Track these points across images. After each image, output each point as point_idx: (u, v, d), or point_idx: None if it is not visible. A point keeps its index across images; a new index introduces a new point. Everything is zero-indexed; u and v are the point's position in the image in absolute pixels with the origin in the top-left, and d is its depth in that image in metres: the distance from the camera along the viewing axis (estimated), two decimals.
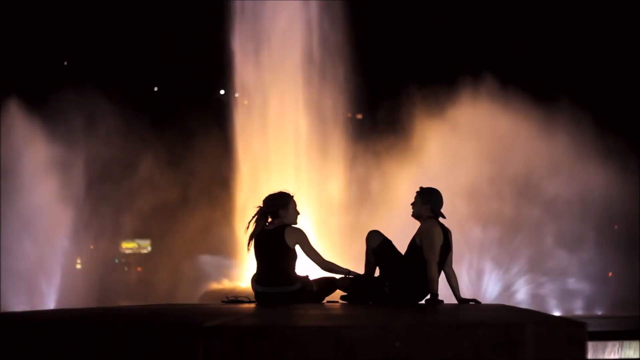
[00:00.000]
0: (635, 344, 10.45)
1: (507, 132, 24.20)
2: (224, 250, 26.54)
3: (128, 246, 40.95)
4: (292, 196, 8.36)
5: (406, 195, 8.68)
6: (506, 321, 4.49)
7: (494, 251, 24.23)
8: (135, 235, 37.47)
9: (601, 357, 10.34)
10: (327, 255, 8.38)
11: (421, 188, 8.26)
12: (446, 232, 8.06)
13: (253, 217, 8.28)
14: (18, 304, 23.31)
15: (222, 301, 8.31)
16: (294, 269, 8.16)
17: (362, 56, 26.87)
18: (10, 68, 34.08)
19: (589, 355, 5.91)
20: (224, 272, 25.72)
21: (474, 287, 23.12)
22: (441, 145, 24.54)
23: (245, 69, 26.35)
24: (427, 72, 32.59)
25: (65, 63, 42.62)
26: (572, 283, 24.17)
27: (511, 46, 35.20)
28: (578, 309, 23.71)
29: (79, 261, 28.88)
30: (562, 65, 34.13)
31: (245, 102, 26.91)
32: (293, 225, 8.24)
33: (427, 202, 8.14)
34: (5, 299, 23.00)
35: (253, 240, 8.21)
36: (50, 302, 24.62)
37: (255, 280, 8.18)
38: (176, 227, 29.11)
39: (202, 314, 5.64)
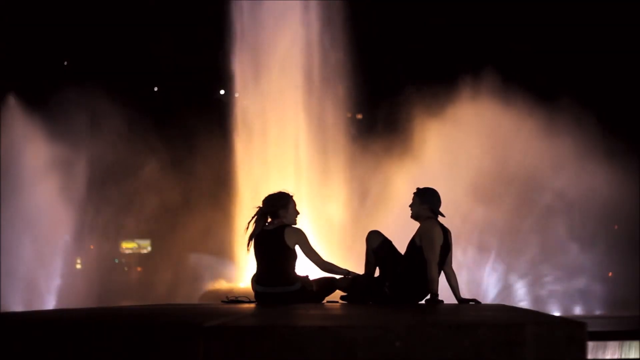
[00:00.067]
0: (635, 344, 10.46)
1: (507, 132, 24.20)
2: (224, 250, 26.54)
3: (128, 246, 40.90)
4: (292, 196, 8.35)
5: (406, 195, 8.67)
6: (506, 321, 4.49)
7: (493, 252, 24.24)
8: (136, 235, 37.47)
9: (601, 357, 10.35)
10: (326, 256, 8.39)
11: (418, 189, 8.28)
12: (446, 232, 8.07)
13: (253, 217, 8.27)
14: (18, 304, 23.31)
15: (222, 301, 8.31)
16: (293, 269, 8.15)
17: (362, 56, 26.87)
18: (10, 68, 34.07)
19: (589, 355, 5.91)
20: (223, 272, 25.72)
21: (474, 287, 23.11)
22: (441, 145, 24.55)
23: (245, 69, 26.33)
24: (427, 72, 32.59)
25: (66, 63, 42.61)
26: (572, 283, 24.16)
27: (511, 46, 35.17)
28: (578, 309, 23.71)
29: (79, 261, 28.90)
30: (562, 65, 34.12)
31: (245, 102, 26.90)
32: (293, 226, 8.23)
33: (426, 202, 8.14)
34: (5, 299, 23.00)
35: (253, 241, 8.21)
36: (50, 302, 24.61)
37: (255, 280, 8.18)
38: (176, 227, 29.11)
39: (202, 314, 5.64)
